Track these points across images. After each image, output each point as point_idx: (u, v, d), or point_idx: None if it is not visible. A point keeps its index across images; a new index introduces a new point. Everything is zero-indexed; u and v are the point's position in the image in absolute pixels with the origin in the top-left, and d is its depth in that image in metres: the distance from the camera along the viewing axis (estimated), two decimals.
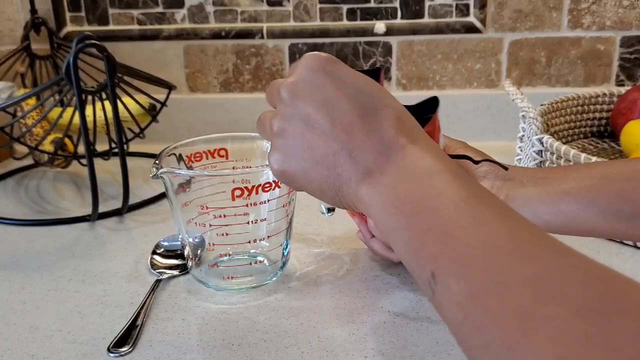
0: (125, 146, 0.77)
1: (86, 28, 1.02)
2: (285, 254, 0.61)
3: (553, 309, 0.25)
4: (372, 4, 0.98)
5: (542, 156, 0.74)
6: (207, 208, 0.56)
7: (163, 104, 0.84)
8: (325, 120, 0.39)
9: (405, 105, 0.45)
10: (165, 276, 0.61)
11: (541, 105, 0.88)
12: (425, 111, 0.52)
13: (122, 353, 0.49)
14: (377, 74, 0.53)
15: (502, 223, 0.31)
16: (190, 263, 0.60)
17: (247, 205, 0.56)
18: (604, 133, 0.96)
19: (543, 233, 0.30)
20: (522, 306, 0.26)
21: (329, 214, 0.61)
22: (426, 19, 0.98)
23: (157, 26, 1.02)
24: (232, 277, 0.59)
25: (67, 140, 0.82)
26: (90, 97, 0.75)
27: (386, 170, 0.37)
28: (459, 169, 0.36)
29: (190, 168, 0.61)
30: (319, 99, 0.40)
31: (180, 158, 0.60)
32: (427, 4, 0.98)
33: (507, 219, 0.31)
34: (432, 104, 0.53)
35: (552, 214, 0.49)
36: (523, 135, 0.85)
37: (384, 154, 0.37)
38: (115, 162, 0.77)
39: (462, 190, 0.33)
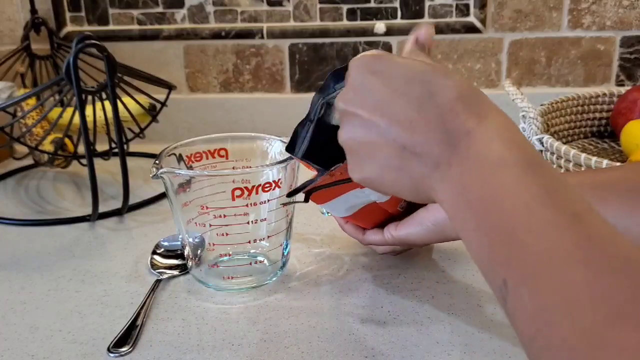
0: (125, 146, 0.77)
1: (86, 28, 1.02)
2: (285, 254, 0.61)
3: (626, 333, 0.24)
4: (372, 4, 0.98)
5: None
6: (207, 208, 0.56)
7: (163, 104, 0.84)
8: (381, 122, 0.38)
9: None
10: (165, 276, 0.61)
11: (541, 105, 0.88)
12: None
13: (122, 353, 0.49)
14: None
15: (575, 228, 0.29)
16: (190, 263, 0.60)
17: (247, 205, 0.56)
18: (604, 133, 0.96)
19: (620, 239, 0.28)
20: (592, 329, 0.25)
21: (329, 214, 0.61)
22: (426, 19, 0.98)
23: (157, 26, 1.02)
24: (232, 277, 0.59)
25: (67, 140, 0.82)
26: (90, 97, 0.75)
27: (453, 162, 0.35)
28: (532, 153, 0.33)
29: (190, 168, 0.61)
30: (370, 103, 0.38)
31: (180, 158, 0.60)
32: (427, 4, 0.98)
33: (581, 222, 0.29)
34: None
35: None
36: None
37: (450, 142, 0.35)
38: (115, 162, 0.77)
39: (534, 187, 0.31)
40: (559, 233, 0.29)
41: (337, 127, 0.43)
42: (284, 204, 0.58)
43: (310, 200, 0.54)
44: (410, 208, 0.57)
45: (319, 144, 0.49)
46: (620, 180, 0.46)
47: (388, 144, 0.38)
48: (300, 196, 0.53)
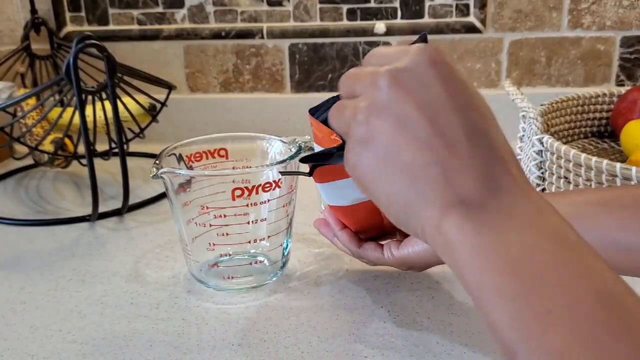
0: (125, 146, 0.77)
1: (86, 28, 1.02)
2: (286, 254, 0.61)
3: None
4: (372, 4, 0.98)
5: (542, 156, 0.74)
6: (207, 208, 0.56)
7: (163, 104, 0.84)
8: (424, 125, 0.33)
9: None
10: None
11: (541, 105, 0.88)
12: None
13: None
14: (424, 39, 0.50)
15: (611, 312, 0.27)
16: (190, 263, 0.60)
17: (247, 205, 0.56)
18: (604, 133, 0.96)
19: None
20: None
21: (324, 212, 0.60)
22: (426, 19, 0.98)
23: (157, 26, 1.02)
24: (232, 277, 0.59)
25: (67, 140, 0.82)
26: (90, 97, 0.75)
27: (490, 209, 0.31)
28: (568, 231, 0.31)
29: (190, 168, 0.61)
30: (423, 99, 0.33)
31: (180, 158, 0.60)
32: (427, 4, 0.98)
33: (620, 307, 0.27)
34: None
35: None
36: (523, 135, 0.85)
37: (490, 187, 0.31)
38: (115, 162, 0.77)
39: (570, 264, 0.28)
40: (593, 317, 0.27)
41: None
42: (284, 173, 0.55)
43: (313, 176, 0.50)
44: None
45: None
46: (614, 198, 0.45)
47: (420, 150, 0.33)
48: (305, 168, 0.49)
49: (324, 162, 0.45)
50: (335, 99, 0.44)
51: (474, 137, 0.32)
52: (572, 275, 0.28)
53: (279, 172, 0.56)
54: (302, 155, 0.50)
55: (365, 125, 0.35)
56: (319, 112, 0.49)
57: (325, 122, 0.46)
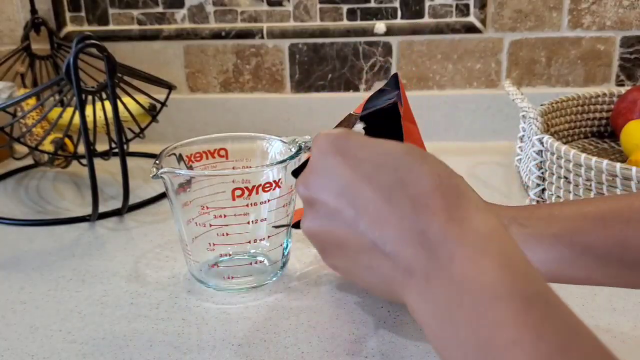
0: (125, 146, 0.77)
1: (86, 28, 1.02)
2: (286, 254, 0.61)
3: None
4: (372, 4, 0.98)
5: (542, 156, 0.74)
6: (207, 208, 0.56)
7: (163, 104, 0.84)
8: (347, 211, 0.33)
9: (371, 111, 0.41)
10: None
11: (541, 105, 0.88)
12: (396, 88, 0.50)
13: None
14: (395, 80, 0.50)
15: None
16: (190, 263, 0.60)
17: (247, 205, 0.56)
18: (604, 133, 0.96)
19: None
20: None
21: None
22: (426, 19, 0.98)
23: (157, 26, 1.02)
24: (232, 277, 0.59)
25: (67, 140, 0.82)
26: (90, 97, 0.75)
27: (432, 277, 0.29)
28: (525, 274, 0.29)
29: (190, 168, 0.61)
30: (335, 187, 0.34)
31: (180, 158, 0.60)
32: (427, 4, 0.98)
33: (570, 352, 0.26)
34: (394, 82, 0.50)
35: (540, 261, 0.41)
36: (523, 135, 0.85)
37: (425, 246, 0.30)
38: (115, 162, 0.77)
39: (532, 325, 0.26)
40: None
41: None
42: (275, 227, 0.57)
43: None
44: None
45: None
46: (614, 212, 0.42)
47: (356, 236, 0.33)
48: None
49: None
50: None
51: (393, 199, 0.31)
52: (510, 338, 0.26)
53: (272, 227, 0.57)
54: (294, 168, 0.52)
55: (313, 235, 0.37)
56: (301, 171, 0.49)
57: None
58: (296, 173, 0.48)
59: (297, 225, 0.51)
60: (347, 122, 0.50)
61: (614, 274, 0.41)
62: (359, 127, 0.49)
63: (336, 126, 0.50)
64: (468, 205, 0.31)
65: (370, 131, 0.48)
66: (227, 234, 0.57)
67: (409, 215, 0.31)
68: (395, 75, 0.50)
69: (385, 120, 0.48)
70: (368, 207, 0.32)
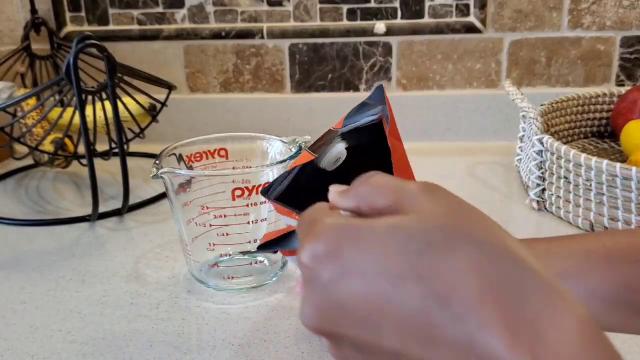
0: (125, 146, 0.77)
1: (86, 28, 1.02)
2: None
3: None
4: (372, 4, 0.98)
5: (542, 156, 0.74)
6: (207, 208, 0.56)
7: (163, 104, 0.84)
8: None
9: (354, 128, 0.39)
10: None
11: (541, 105, 0.88)
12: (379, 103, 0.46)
13: None
14: (380, 93, 0.46)
15: None
16: (190, 263, 0.60)
17: (247, 205, 0.56)
18: (604, 133, 0.96)
19: None
20: None
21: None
22: (426, 19, 0.98)
23: (157, 26, 1.02)
24: (232, 277, 0.59)
25: (67, 140, 0.82)
26: (90, 97, 0.75)
27: None
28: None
29: (190, 168, 0.61)
30: (354, 318, 0.25)
31: (180, 158, 0.60)
32: (427, 4, 0.98)
33: None
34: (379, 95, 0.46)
35: None
36: (523, 135, 0.85)
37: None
38: (115, 162, 0.77)
39: None
40: None
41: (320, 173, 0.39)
42: (259, 250, 0.51)
43: (281, 253, 0.49)
44: None
45: (296, 188, 0.44)
46: (618, 251, 0.38)
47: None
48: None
49: (280, 248, 0.44)
50: (286, 174, 0.45)
51: (432, 322, 0.23)
52: None
53: (257, 247, 0.51)
54: (258, 243, 0.48)
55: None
56: (271, 189, 0.46)
57: (280, 199, 0.45)
58: (265, 192, 0.45)
59: (263, 246, 0.46)
60: (326, 138, 0.47)
61: (621, 319, 0.37)
62: (341, 146, 0.46)
63: (315, 142, 0.48)
64: (534, 302, 0.23)
65: (352, 150, 0.45)
66: (227, 234, 0.57)
67: (459, 340, 0.23)
68: (381, 87, 0.46)
69: (369, 138, 0.44)
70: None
